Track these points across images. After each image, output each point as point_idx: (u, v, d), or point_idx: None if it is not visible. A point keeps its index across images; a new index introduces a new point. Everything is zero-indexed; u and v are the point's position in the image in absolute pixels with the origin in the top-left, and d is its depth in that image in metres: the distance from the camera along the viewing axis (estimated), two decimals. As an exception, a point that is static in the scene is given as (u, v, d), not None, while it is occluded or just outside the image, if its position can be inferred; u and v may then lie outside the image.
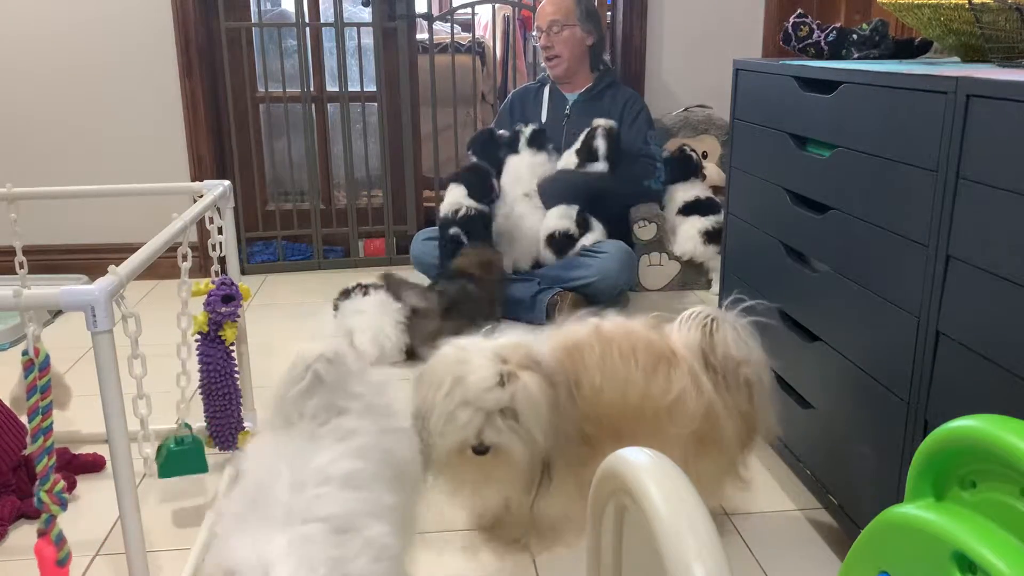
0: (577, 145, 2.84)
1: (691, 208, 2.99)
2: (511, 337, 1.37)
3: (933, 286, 1.18)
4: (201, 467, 1.60)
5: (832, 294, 1.46)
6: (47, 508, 1.14)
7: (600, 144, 2.80)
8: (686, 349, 1.43)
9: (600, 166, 2.79)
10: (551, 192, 2.79)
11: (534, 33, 3.00)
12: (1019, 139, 1.01)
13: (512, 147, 2.91)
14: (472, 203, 2.68)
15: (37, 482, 1.14)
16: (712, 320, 1.44)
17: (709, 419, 1.40)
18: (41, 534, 1.15)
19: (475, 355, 1.32)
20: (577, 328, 1.45)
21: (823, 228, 1.49)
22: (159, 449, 1.59)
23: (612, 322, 1.46)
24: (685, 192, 3.03)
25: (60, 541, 1.16)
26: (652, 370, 1.39)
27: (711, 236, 2.92)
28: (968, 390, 1.13)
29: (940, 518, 0.77)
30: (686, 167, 3.05)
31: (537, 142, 2.87)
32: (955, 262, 1.14)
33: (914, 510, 0.80)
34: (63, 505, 1.16)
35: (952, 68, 1.34)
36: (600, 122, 2.84)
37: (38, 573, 1.14)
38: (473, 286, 2.46)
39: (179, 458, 1.58)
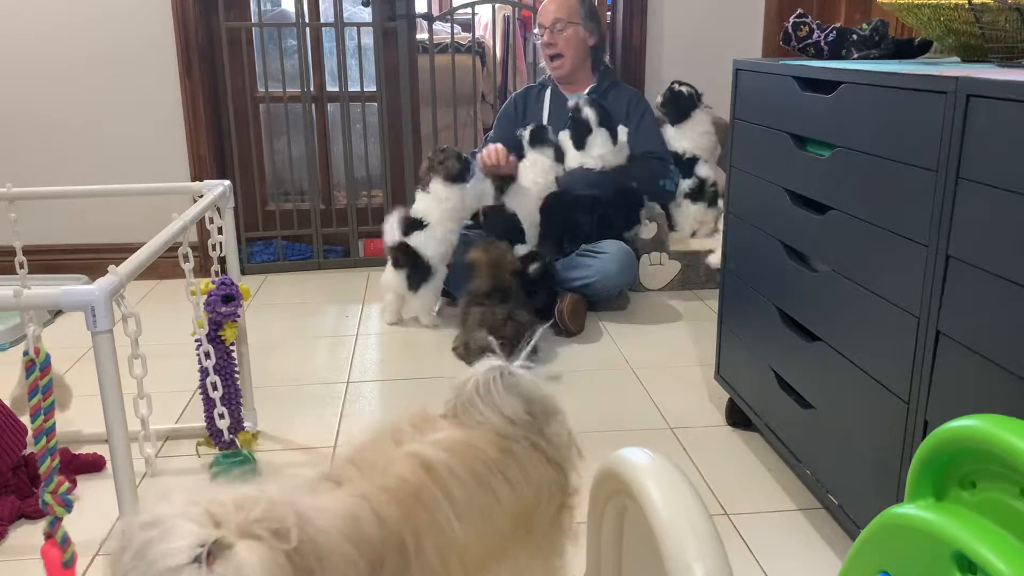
0: (568, 131, 2.83)
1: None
2: (252, 487, 0.85)
3: (933, 286, 1.18)
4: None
5: (832, 294, 1.46)
6: (51, 510, 1.15)
7: (589, 113, 2.79)
8: (512, 426, 1.13)
9: (601, 136, 2.78)
10: (572, 186, 2.78)
11: (536, 31, 2.99)
12: (1019, 139, 1.01)
13: (519, 154, 2.90)
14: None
15: (41, 484, 1.14)
16: (511, 376, 1.17)
17: (563, 479, 1.19)
18: (47, 536, 1.16)
19: (172, 514, 0.81)
20: (389, 465, 1.01)
21: (823, 228, 1.49)
22: (210, 466, 1.63)
23: (424, 442, 1.06)
24: (678, 139, 3.07)
25: (65, 543, 1.16)
26: (507, 475, 1.09)
27: (694, 195, 3.02)
28: (968, 390, 1.13)
29: (940, 518, 0.77)
30: (679, 105, 3.07)
31: (539, 139, 2.84)
32: (955, 262, 1.14)
33: (914, 510, 0.80)
34: (68, 507, 1.16)
35: (952, 68, 1.34)
36: (572, 101, 2.85)
37: (40, 574, 1.14)
38: (492, 302, 2.40)
39: (234, 471, 1.62)
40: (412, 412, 1.14)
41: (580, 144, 2.80)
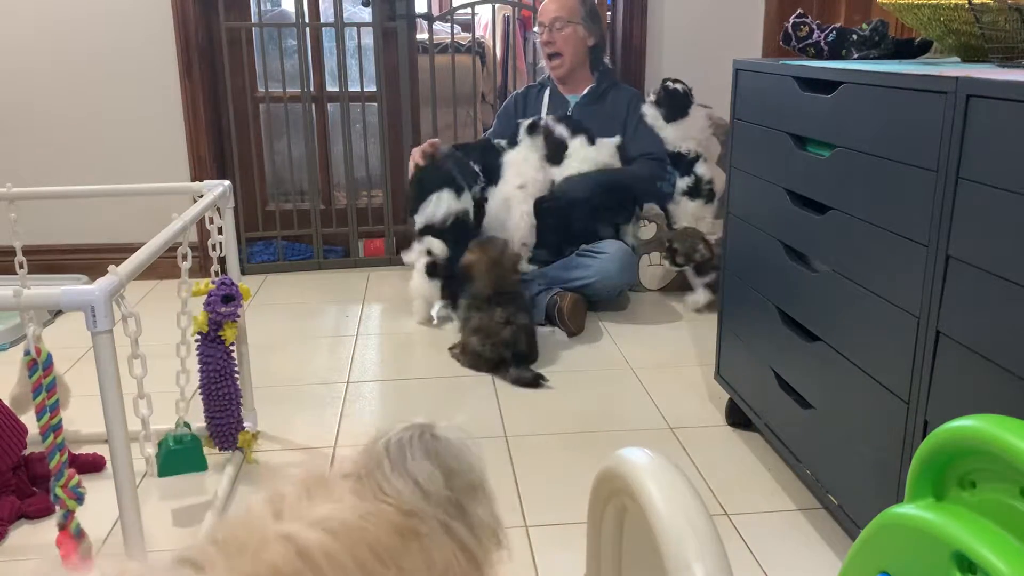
0: (544, 151, 2.82)
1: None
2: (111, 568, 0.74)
3: (933, 286, 1.18)
4: (200, 465, 1.60)
5: (832, 294, 1.46)
6: (63, 504, 1.16)
7: (561, 130, 2.80)
8: (425, 500, 0.93)
9: (579, 142, 2.79)
10: (570, 191, 2.77)
11: (535, 30, 2.98)
12: (1019, 139, 1.01)
13: (511, 144, 2.88)
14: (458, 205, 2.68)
15: (52, 478, 1.15)
16: (432, 438, 0.98)
17: (474, 562, 0.99)
18: (61, 528, 1.17)
19: None
20: (261, 548, 0.82)
21: (823, 228, 1.49)
22: (158, 447, 1.60)
23: (304, 521, 0.85)
24: (677, 138, 3.03)
25: (80, 534, 1.18)
26: (400, 565, 0.90)
27: (692, 192, 2.99)
28: (968, 390, 1.13)
29: (940, 518, 0.77)
30: (674, 103, 3.02)
31: (535, 130, 2.82)
32: (955, 262, 1.14)
33: (914, 510, 0.80)
34: (79, 499, 1.18)
35: (952, 68, 1.34)
36: (525, 124, 2.83)
37: (44, 572, 1.15)
38: (489, 306, 2.36)
39: (178, 456, 1.59)
40: (307, 470, 0.95)
41: (558, 160, 2.80)
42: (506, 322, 2.31)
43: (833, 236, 1.45)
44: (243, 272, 3.01)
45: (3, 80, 3.04)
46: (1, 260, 2.92)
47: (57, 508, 1.18)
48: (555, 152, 2.80)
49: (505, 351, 2.29)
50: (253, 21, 3.27)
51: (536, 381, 2.24)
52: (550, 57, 2.92)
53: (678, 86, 3.04)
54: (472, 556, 0.97)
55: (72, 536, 1.17)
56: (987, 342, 1.08)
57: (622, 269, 2.70)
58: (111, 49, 3.04)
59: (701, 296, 2.81)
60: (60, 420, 1.16)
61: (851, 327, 1.41)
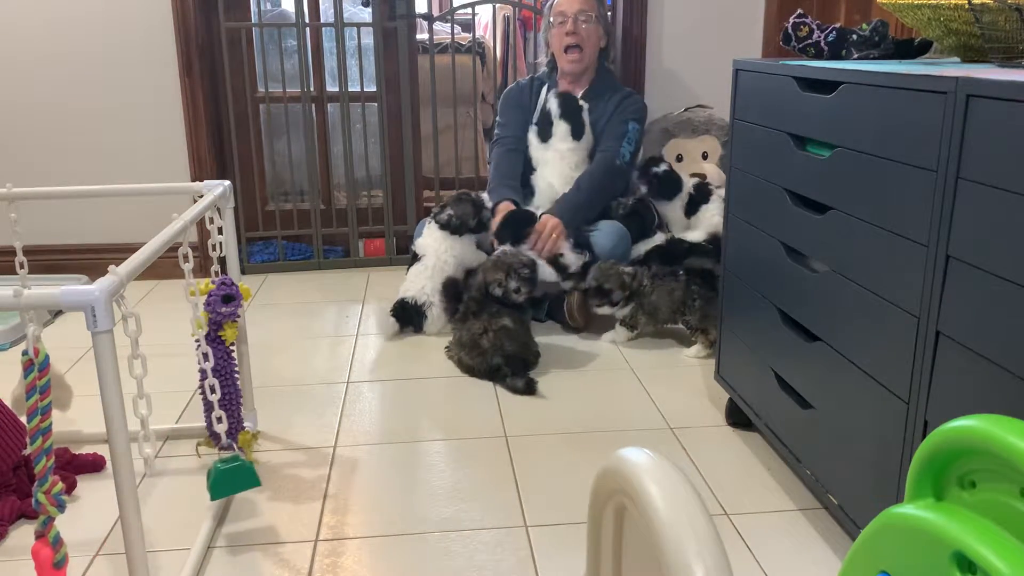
0: (535, 127, 2.86)
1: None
2: None
3: (933, 286, 1.18)
4: (254, 481, 1.54)
5: (832, 294, 1.46)
6: (44, 510, 1.14)
7: (552, 105, 2.82)
8: None
9: (562, 129, 2.79)
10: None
11: (553, 20, 2.92)
12: (1019, 139, 1.01)
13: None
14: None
15: (35, 483, 1.14)
16: None
17: None
18: (39, 536, 1.15)
19: None
20: None
21: (823, 228, 1.49)
22: (208, 473, 1.55)
23: None
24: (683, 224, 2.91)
25: (57, 543, 1.16)
26: None
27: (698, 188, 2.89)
28: (968, 390, 1.13)
29: (940, 518, 0.77)
30: (664, 186, 2.86)
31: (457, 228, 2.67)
32: (955, 262, 1.14)
33: (914, 510, 0.80)
34: (60, 507, 1.15)
35: (952, 68, 1.34)
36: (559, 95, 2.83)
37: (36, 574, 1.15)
38: (465, 317, 2.38)
39: (230, 476, 1.53)
40: None
41: (546, 136, 2.81)
42: (483, 331, 2.30)
43: (833, 236, 1.45)
44: (243, 272, 3.01)
45: (3, 80, 3.04)
46: (1, 260, 2.93)
47: (40, 515, 1.15)
48: (543, 125, 2.84)
49: (493, 359, 2.27)
50: (253, 21, 3.27)
51: (528, 388, 2.21)
52: (567, 50, 2.89)
53: (662, 167, 2.89)
54: None
55: (50, 544, 1.15)
56: (987, 342, 1.08)
57: (616, 244, 2.68)
58: (111, 50, 3.04)
59: (620, 333, 2.58)
60: (50, 424, 1.15)
61: (851, 327, 1.41)
